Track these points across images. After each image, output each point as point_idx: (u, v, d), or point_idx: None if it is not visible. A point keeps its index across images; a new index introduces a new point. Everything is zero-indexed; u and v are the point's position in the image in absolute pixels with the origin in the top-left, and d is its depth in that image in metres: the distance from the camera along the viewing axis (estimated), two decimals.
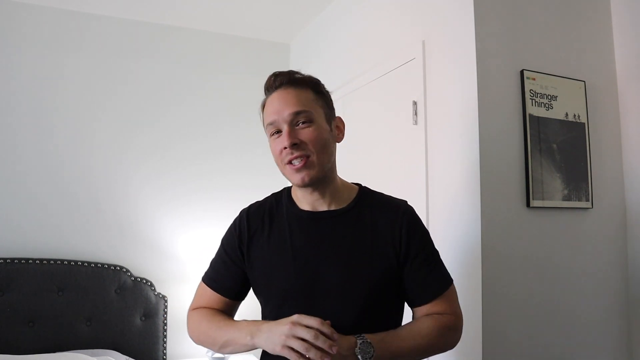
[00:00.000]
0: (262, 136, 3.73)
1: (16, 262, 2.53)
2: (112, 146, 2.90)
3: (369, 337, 1.05)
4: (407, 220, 1.19)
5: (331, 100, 1.25)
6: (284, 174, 1.19)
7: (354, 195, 1.24)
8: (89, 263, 2.68)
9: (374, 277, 1.15)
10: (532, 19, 1.87)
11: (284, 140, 1.13)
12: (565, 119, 1.86)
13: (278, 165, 1.19)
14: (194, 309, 1.28)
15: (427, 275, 1.18)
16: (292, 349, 0.98)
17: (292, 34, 3.31)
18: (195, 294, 1.31)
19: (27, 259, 2.56)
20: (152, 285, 2.78)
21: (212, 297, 1.26)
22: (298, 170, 1.13)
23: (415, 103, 2.03)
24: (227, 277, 1.25)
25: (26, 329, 2.47)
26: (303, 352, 0.96)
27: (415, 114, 2.02)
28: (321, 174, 1.16)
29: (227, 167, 3.15)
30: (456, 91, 1.83)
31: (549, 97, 1.83)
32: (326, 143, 1.17)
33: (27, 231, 2.67)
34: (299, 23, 3.13)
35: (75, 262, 2.65)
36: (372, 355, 1.03)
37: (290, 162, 1.14)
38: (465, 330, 1.70)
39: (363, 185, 1.29)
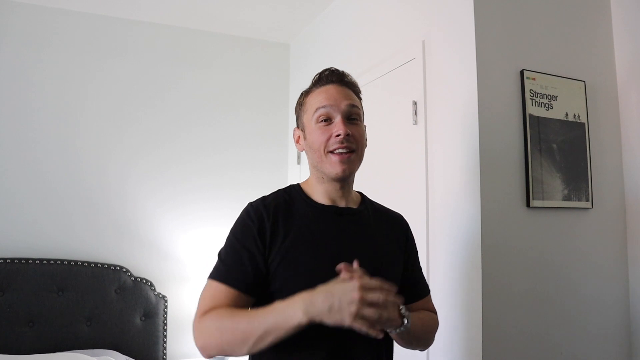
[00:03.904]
0: (262, 135, 3.72)
1: (16, 262, 2.53)
2: (111, 146, 2.90)
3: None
4: (408, 230, 1.32)
5: None
6: (320, 162, 1.17)
7: (359, 199, 1.28)
8: (89, 263, 2.68)
9: (393, 273, 1.20)
10: (532, 19, 1.87)
11: (337, 129, 1.14)
12: (565, 119, 1.86)
13: (316, 152, 1.16)
14: (203, 313, 1.07)
15: (420, 277, 1.32)
16: (367, 318, 0.89)
17: (292, 34, 3.31)
18: (202, 298, 1.10)
19: (27, 259, 2.56)
20: (152, 285, 2.78)
21: (227, 294, 1.08)
22: (343, 160, 1.14)
23: (415, 103, 2.03)
24: (244, 270, 1.10)
25: (26, 329, 2.47)
26: (376, 321, 0.90)
27: (415, 114, 2.02)
28: (354, 171, 1.21)
29: (227, 166, 3.15)
30: (456, 91, 1.83)
31: (549, 97, 1.83)
32: (364, 144, 1.22)
33: (27, 231, 2.67)
34: (299, 23, 3.13)
35: (75, 262, 2.65)
36: (410, 321, 1.04)
37: (335, 151, 1.14)
38: (465, 330, 1.70)
39: (361, 192, 1.33)
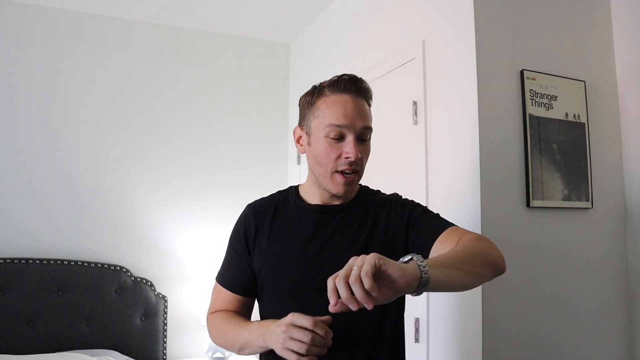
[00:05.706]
0: (262, 135, 3.70)
1: (16, 262, 2.53)
2: (110, 146, 2.90)
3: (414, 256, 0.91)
4: (398, 202, 1.25)
5: None
6: (323, 178, 1.16)
7: (356, 193, 1.26)
8: (89, 263, 2.68)
9: None
10: (532, 19, 1.87)
11: (349, 151, 1.12)
12: (565, 119, 1.86)
13: (321, 167, 1.16)
14: (212, 312, 1.28)
15: (430, 220, 1.19)
16: (292, 350, 0.98)
17: (292, 34, 3.31)
18: (212, 296, 1.30)
19: (27, 259, 2.56)
20: (152, 285, 2.78)
21: (227, 296, 1.25)
22: (347, 182, 1.15)
23: (415, 103, 2.03)
24: (238, 274, 1.24)
25: (26, 329, 2.47)
26: (302, 353, 0.97)
27: (415, 114, 2.02)
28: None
29: (227, 166, 3.15)
30: (456, 91, 1.83)
31: (549, 97, 1.83)
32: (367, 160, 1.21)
33: (27, 231, 2.67)
34: (299, 23, 3.13)
35: (75, 262, 2.65)
36: (426, 264, 0.87)
37: (343, 172, 1.14)
38: (465, 330, 1.70)
39: (363, 184, 1.31)
